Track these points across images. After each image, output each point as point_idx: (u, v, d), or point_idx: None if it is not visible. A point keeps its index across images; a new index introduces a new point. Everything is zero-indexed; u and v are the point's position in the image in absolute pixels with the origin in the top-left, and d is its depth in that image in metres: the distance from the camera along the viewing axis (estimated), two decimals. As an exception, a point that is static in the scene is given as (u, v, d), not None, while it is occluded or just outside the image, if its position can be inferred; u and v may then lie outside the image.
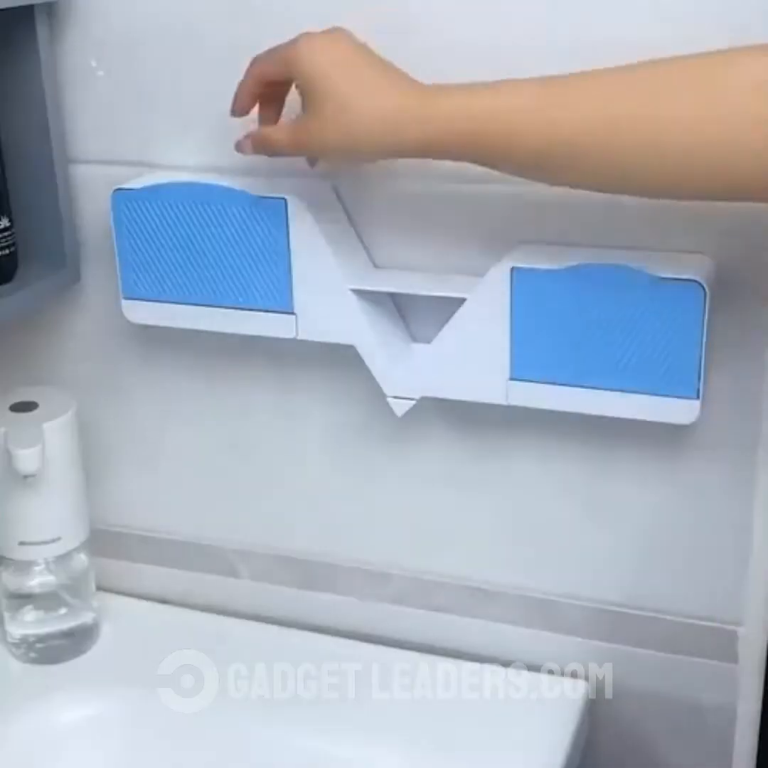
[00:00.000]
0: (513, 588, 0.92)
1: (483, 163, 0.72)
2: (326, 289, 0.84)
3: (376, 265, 0.87)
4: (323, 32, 0.75)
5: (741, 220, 0.77)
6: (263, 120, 0.80)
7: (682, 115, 0.64)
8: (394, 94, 0.72)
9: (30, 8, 0.84)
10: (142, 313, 0.90)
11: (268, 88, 0.78)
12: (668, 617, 0.89)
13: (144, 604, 1.02)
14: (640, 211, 0.78)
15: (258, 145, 0.79)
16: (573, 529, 0.89)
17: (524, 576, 0.92)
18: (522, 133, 0.68)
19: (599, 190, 0.71)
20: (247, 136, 0.80)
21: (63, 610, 0.95)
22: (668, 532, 0.86)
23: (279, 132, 0.77)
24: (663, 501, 0.86)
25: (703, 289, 0.74)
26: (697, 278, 0.75)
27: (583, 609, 0.91)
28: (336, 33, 0.75)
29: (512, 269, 0.78)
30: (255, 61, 0.78)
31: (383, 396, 0.86)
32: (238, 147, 0.80)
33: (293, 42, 0.75)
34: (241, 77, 0.79)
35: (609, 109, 0.66)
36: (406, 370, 0.85)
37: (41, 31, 0.85)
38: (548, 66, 0.69)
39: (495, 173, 0.72)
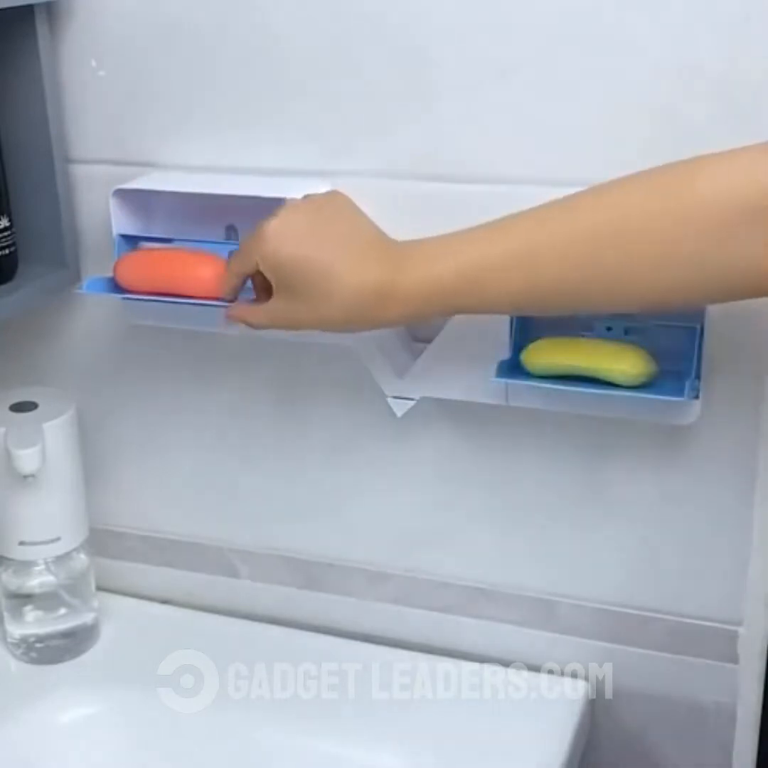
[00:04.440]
0: (513, 588, 0.92)
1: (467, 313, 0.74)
2: (326, 289, 0.83)
3: (376, 265, 0.87)
4: (282, 216, 0.74)
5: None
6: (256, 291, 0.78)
7: (653, 228, 0.65)
8: (365, 283, 0.72)
9: (30, 8, 0.84)
10: (141, 313, 0.90)
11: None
12: (668, 617, 0.89)
13: (144, 604, 1.02)
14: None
15: (237, 321, 0.79)
16: (573, 529, 0.89)
17: (524, 576, 0.92)
18: (501, 291, 0.70)
19: (589, 312, 0.75)
20: (228, 315, 0.79)
21: (63, 610, 0.95)
22: (668, 532, 0.86)
23: (255, 315, 0.77)
24: (663, 501, 0.86)
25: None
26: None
27: (583, 609, 0.91)
28: (293, 212, 0.74)
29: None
30: (231, 260, 0.78)
31: (383, 396, 0.86)
32: (226, 318, 0.80)
33: (258, 238, 0.74)
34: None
35: (581, 250, 0.67)
36: (406, 370, 0.85)
37: (41, 31, 0.85)
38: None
39: (495, 173, 0.71)
